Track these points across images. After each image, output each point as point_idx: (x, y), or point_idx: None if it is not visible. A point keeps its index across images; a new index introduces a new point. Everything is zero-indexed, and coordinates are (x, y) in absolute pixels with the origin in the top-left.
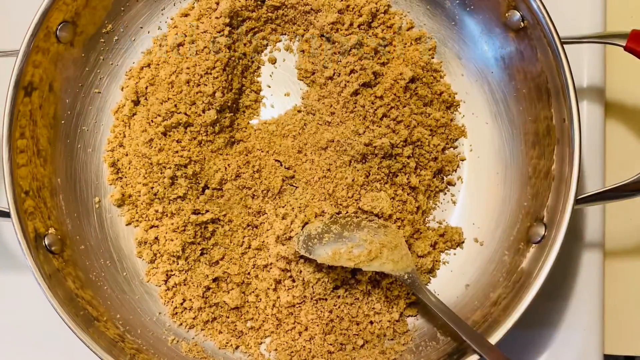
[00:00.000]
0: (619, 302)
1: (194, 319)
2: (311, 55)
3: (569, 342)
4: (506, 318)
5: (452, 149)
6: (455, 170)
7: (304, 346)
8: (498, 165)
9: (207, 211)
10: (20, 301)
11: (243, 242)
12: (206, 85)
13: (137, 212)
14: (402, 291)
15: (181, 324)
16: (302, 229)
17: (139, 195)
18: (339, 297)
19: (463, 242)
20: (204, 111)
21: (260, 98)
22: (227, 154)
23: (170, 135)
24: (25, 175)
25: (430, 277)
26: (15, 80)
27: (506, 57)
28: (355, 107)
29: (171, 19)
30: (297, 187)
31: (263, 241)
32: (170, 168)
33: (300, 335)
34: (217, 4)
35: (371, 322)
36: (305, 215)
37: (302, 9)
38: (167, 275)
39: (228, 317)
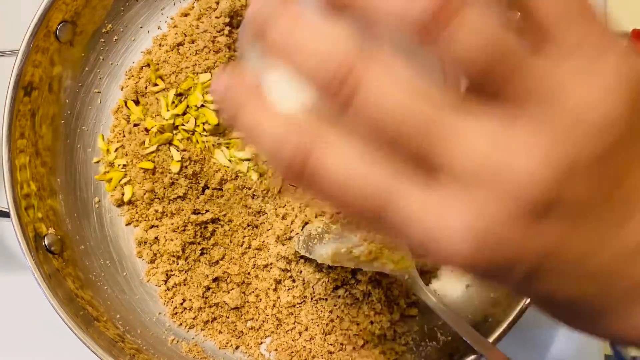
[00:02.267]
0: None
1: (194, 319)
2: None
3: (569, 342)
4: (506, 318)
5: None
6: None
7: (304, 346)
8: None
9: (207, 211)
10: (20, 301)
11: (243, 242)
12: None
13: (137, 212)
14: (402, 291)
15: (181, 324)
16: (302, 229)
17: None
18: (339, 297)
19: None
20: None
21: None
22: None
23: None
24: (25, 175)
25: (431, 277)
26: (15, 80)
27: None
28: None
29: (171, 19)
30: (297, 187)
31: (263, 241)
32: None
33: (300, 335)
34: (217, 3)
35: (371, 322)
36: (305, 215)
37: None
38: (167, 275)
39: (228, 317)
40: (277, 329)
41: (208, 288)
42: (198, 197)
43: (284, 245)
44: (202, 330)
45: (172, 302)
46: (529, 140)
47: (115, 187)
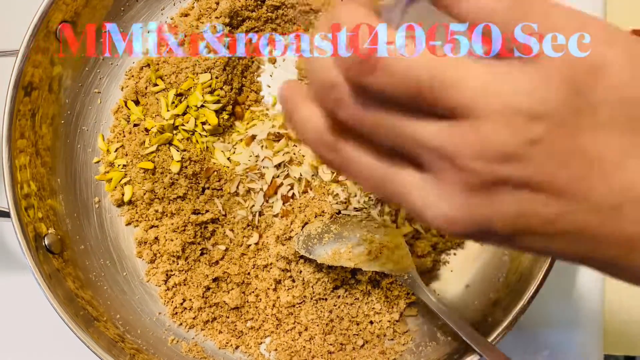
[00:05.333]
0: (619, 302)
1: (194, 319)
2: None
3: (569, 342)
4: (506, 318)
5: None
6: None
7: (304, 346)
8: None
9: (207, 211)
10: (20, 301)
11: (243, 242)
12: None
13: (137, 212)
14: (402, 291)
15: (181, 324)
16: (302, 229)
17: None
18: (339, 297)
19: (463, 242)
20: None
21: (260, 98)
22: None
23: None
24: (25, 175)
25: (431, 277)
26: (15, 80)
27: None
28: None
29: (171, 19)
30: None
31: (263, 241)
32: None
33: (300, 335)
34: (217, 3)
35: (371, 322)
36: (305, 215)
37: (302, 8)
38: (167, 275)
39: (228, 317)
40: (277, 328)
41: (208, 288)
42: (198, 197)
43: (283, 245)
44: (202, 330)
45: (172, 302)
46: (525, 70)
47: (115, 187)
